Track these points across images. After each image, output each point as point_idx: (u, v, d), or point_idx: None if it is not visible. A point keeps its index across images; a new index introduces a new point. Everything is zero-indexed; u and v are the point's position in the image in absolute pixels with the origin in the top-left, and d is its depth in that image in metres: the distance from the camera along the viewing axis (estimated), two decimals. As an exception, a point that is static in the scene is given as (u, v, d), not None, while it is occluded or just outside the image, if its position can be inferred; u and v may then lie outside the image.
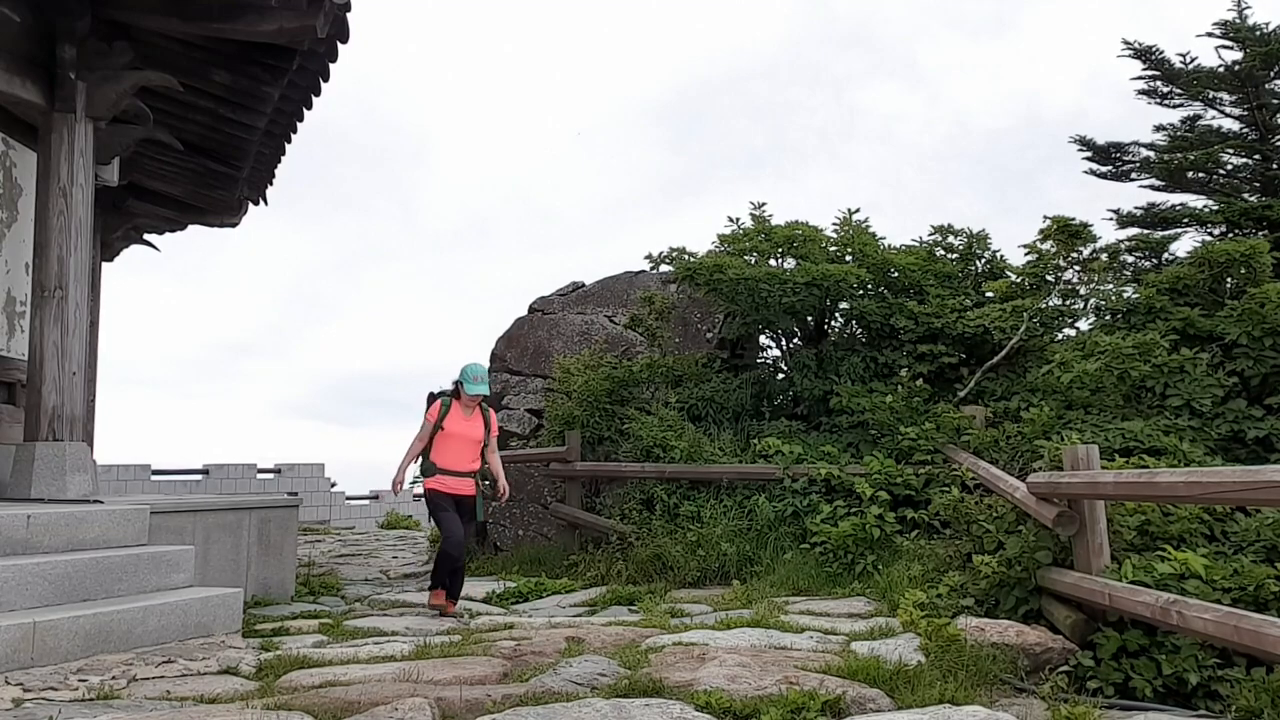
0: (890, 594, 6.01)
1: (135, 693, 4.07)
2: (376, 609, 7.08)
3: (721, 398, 9.39)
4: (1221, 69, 11.69)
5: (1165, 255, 10.67)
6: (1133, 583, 4.53)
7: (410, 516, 21.03)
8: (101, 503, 6.10)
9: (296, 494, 17.02)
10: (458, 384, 6.77)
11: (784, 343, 10.43)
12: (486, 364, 11.53)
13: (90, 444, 8.48)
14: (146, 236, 11.02)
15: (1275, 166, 11.59)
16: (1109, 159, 13.00)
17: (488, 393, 6.80)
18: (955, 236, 10.30)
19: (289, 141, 8.79)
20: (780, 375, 10.07)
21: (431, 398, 6.88)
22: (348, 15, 6.55)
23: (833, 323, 10.21)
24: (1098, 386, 7.61)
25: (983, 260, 10.26)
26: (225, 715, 3.57)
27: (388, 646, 5.05)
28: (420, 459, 6.74)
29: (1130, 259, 10.62)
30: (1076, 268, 9.39)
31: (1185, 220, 11.55)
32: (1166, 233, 11.32)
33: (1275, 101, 11.68)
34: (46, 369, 6.44)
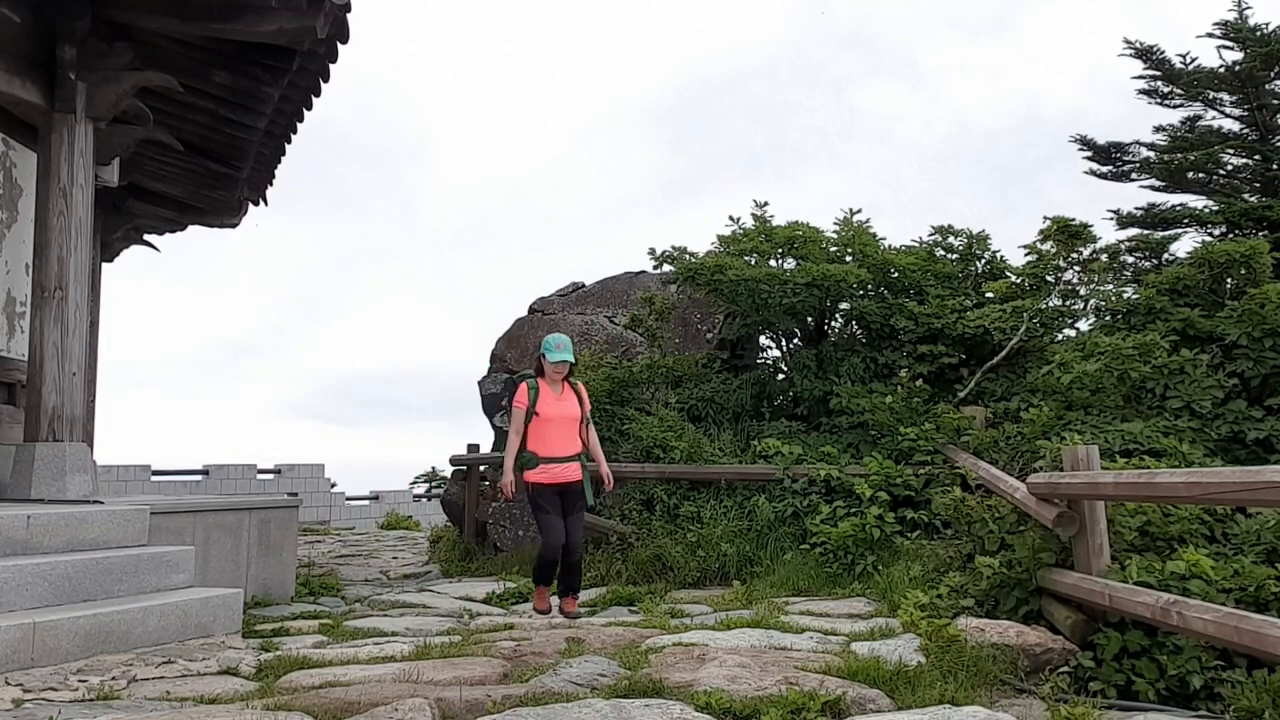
0: (890, 594, 6.01)
1: (135, 693, 4.07)
2: (376, 609, 7.08)
3: (721, 398, 9.39)
4: (1222, 69, 11.70)
5: (1165, 256, 10.69)
6: (1136, 583, 4.53)
7: (410, 517, 21.03)
8: (101, 503, 6.10)
9: (296, 494, 17.01)
10: (540, 358, 6.15)
11: (784, 343, 10.43)
12: (487, 364, 11.55)
13: (90, 444, 8.48)
14: (146, 237, 11.02)
15: (1275, 167, 11.59)
16: (1109, 159, 13.02)
17: (573, 359, 6.10)
18: (955, 237, 10.31)
19: (289, 142, 8.79)
20: (780, 376, 10.07)
21: (515, 384, 6.56)
22: (348, 16, 6.55)
23: (833, 323, 10.21)
24: (1098, 387, 7.61)
25: (983, 261, 10.26)
26: (225, 716, 3.57)
27: (388, 647, 5.04)
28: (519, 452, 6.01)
29: (1130, 259, 10.63)
30: (1076, 268, 9.39)
31: (1185, 221, 11.57)
32: (1166, 233, 11.33)
33: (1275, 102, 11.69)
34: (46, 369, 6.44)
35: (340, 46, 6.93)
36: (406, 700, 3.59)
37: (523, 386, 6.03)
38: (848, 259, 9.72)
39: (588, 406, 6.17)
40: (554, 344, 6.06)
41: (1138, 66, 12.49)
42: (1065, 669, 4.44)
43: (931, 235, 10.37)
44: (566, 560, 5.93)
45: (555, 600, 6.17)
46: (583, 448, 6.08)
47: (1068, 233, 9.18)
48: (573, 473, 5.97)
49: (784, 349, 10.45)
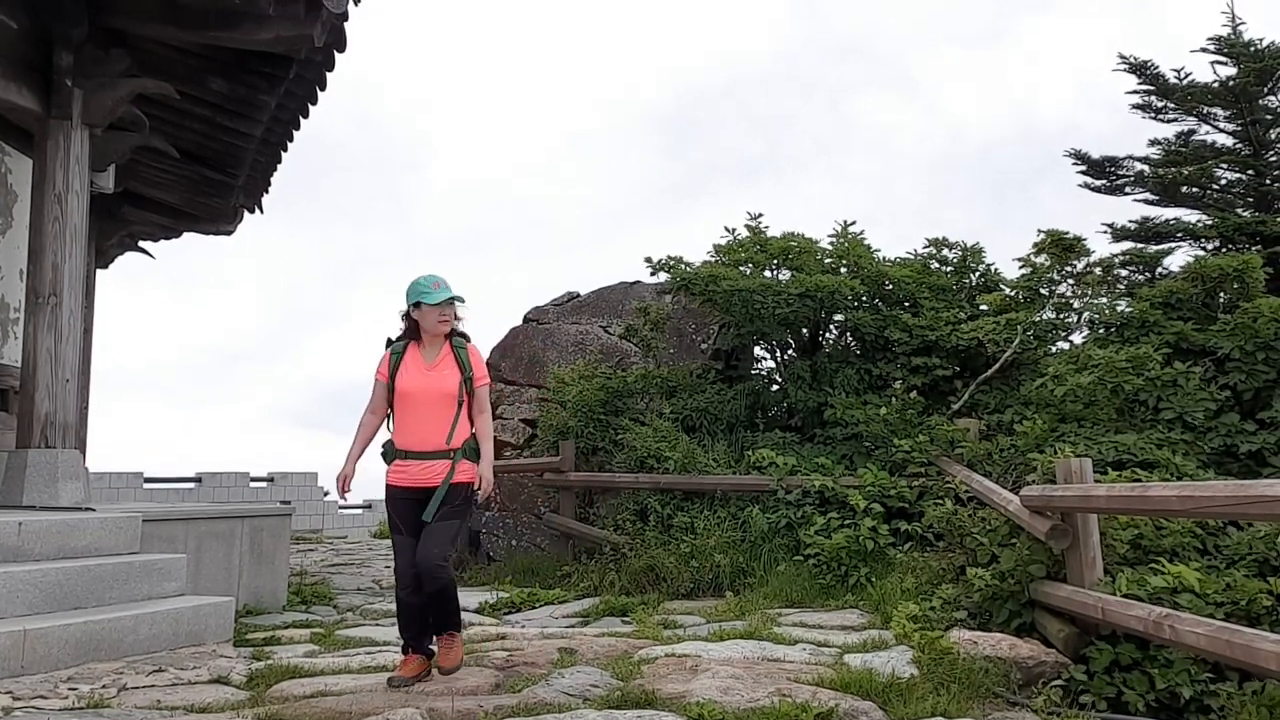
0: (883, 606, 6.01)
1: (125, 701, 4.05)
2: (369, 618, 7.06)
3: (716, 409, 9.39)
4: (1216, 84, 11.76)
5: (1159, 269, 10.71)
6: (1126, 596, 4.54)
7: (403, 526, 20.94)
8: (94, 510, 6.08)
9: (289, 503, 16.97)
10: (409, 312, 4.42)
11: (778, 354, 10.44)
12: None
13: (83, 451, 8.46)
14: (141, 243, 11.02)
15: (1269, 182, 11.65)
16: (1103, 173, 13.07)
17: (450, 296, 4.35)
18: (950, 249, 10.34)
19: (285, 150, 8.79)
20: (775, 387, 10.08)
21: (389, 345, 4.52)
22: (345, 24, 6.56)
23: (827, 334, 10.22)
24: (1091, 400, 7.62)
25: (977, 273, 10.28)
26: (215, 725, 3.56)
27: (380, 656, 5.03)
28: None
29: (1124, 273, 10.66)
30: (1070, 281, 9.42)
31: (1179, 235, 11.61)
32: (1160, 247, 11.36)
33: (1269, 117, 11.76)
34: (40, 376, 6.42)
35: (337, 55, 6.95)
36: (398, 710, 3.59)
37: (385, 352, 4.44)
38: (842, 270, 9.75)
39: (480, 379, 4.42)
40: (430, 284, 4.32)
41: (1132, 81, 12.55)
42: (1058, 682, 4.45)
43: (926, 247, 10.41)
44: (425, 591, 4.26)
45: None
46: (461, 440, 4.35)
47: (1062, 246, 9.21)
48: (437, 474, 4.29)
49: (778, 360, 10.46)
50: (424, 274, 4.37)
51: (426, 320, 4.33)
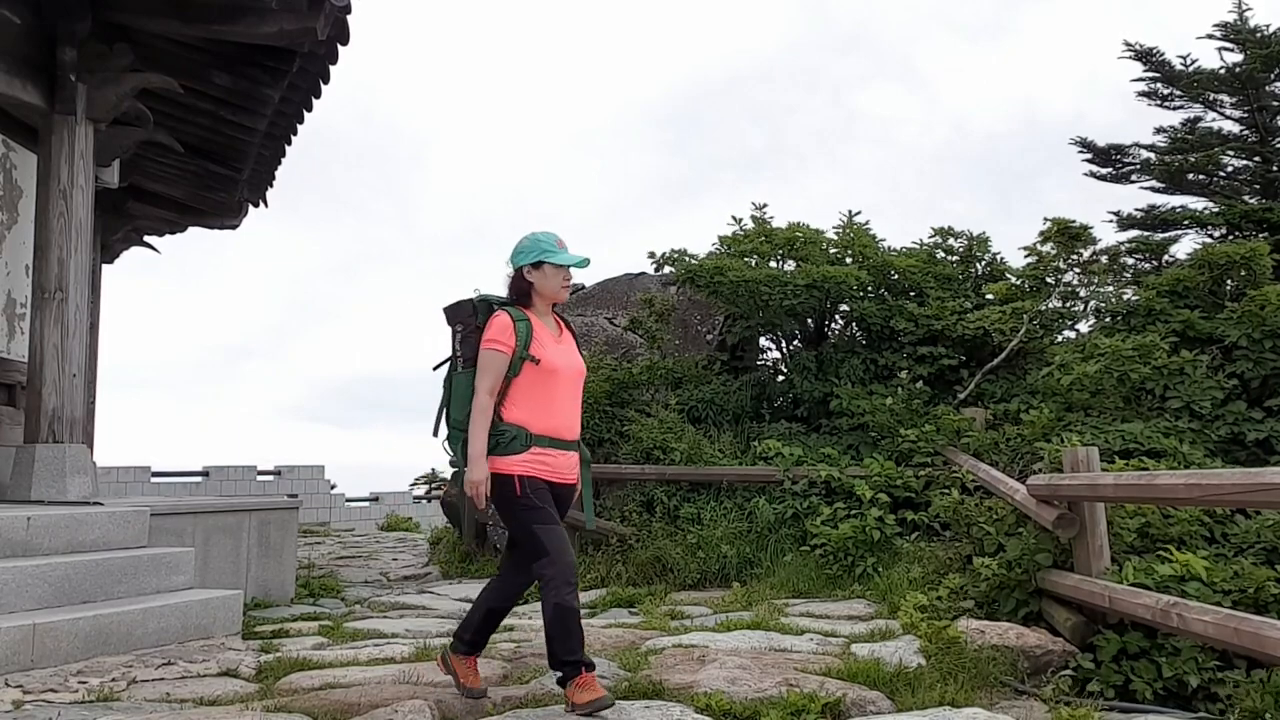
0: (890, 596, 6.01)
1: (135, 695, 4.07)
2: (376, 611, 7.08)
3: (721, 400, 9.40)
4: (1222, 71, 11.72)
5: (1165, 257, 10.69)
6: (1133, 585, 4.53)
7: (410, 519, 21.00)
8: (101, 504, 6.10)
9: (296, 496, 17.00)
10: (524, 273, 3.66)
11: (784, 345, 10.44)
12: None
13: (90, 446, 8.48)
14: (146, 238, 11.03)
15: (1275, 169, 11.61)
16: (1109, 161, 13.04)
17: (581, 260, 3.69)
18: (955, 239, 10.32)
19: (289, 144, 8.79)
20: (780, 377, 10.07)
21: (473, 311, 3.67)
22: (348, 18, 6.56)
23: (833, 325, 10.21)
24: (1098, 388, 7.61)
25: (983, 262, 10.27)
26: (225, 717, 3.57)
27: (388, 649, 5.04)
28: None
29: (1130, 261, 10.63)
30: (1076, 270, 9.39)
31: (1185, 222, 11.58)
32: (1166, 235, 11.35)
33: (1276, 104, 11.72)
34: (46, 371, 6.44)
35: (340, 48, 6.93)
36: (406, 702, 3.60)
37: (502, 316, 3.56)
38: (848, 261, 9.73)
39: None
40: (552, 241, 3.67)
41: (1137, 69, 12.54)
42: (1066, 671, 4.44)
43: (932, 237, 10.39)
44: (504, 607, 3.84)
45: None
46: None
47: (1068, 234, 9.18)
48: (573, 468, 3.70)
49: (784, 350, 10.46)
50: (539, 229, 3.72)
51: (549, 283, 3.63)
